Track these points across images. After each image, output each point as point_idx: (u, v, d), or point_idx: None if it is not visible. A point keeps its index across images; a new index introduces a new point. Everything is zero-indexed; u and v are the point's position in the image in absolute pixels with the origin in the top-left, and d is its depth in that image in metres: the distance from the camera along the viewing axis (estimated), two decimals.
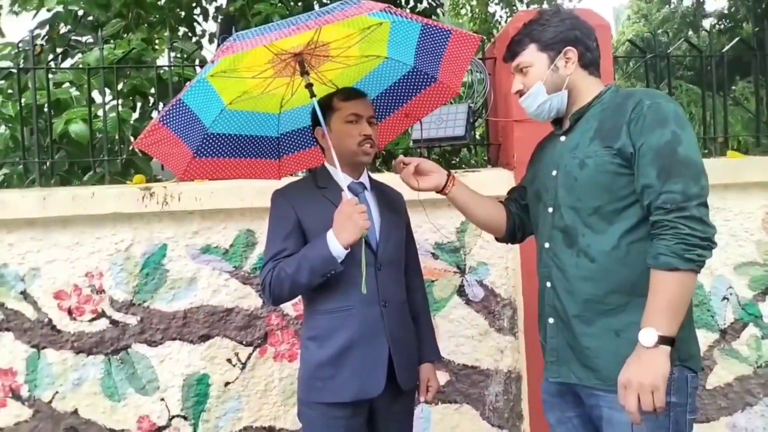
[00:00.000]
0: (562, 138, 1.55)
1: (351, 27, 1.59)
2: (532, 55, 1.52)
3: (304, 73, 1.64)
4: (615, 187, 1.40)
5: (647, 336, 1.29)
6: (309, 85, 1.63)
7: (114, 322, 2.37)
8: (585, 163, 1.44)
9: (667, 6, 18.27)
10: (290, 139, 1.94)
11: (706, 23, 16.79)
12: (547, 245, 1.53)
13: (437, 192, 1.73)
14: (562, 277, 1.48)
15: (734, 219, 2.58)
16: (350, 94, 1.74)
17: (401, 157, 1.74)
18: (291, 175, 2.04)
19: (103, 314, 2.37)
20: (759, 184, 2.58)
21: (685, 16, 17.74)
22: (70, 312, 2.36)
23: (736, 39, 3.07)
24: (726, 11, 16.80)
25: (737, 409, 2.57)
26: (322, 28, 1.47)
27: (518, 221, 1.73)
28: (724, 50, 3.03)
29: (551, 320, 1.52)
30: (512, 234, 1.75)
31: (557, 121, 1.60)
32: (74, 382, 2.35)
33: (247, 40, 1.41)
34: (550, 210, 1.53)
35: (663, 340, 1.28)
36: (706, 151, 2.82)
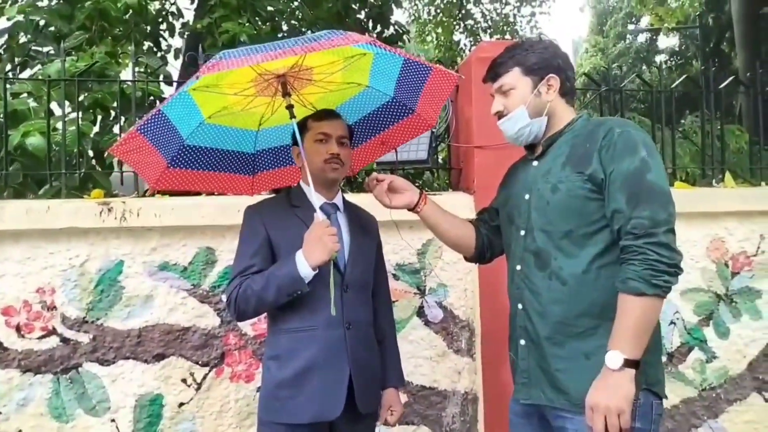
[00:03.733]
0: (535, 163, 1.58)
1: (336, 54, 1.63)
2: (515, 78, 1.54)
3: (285, 94, 1.66)
4: (586, 212, 1.43)
5: (613, 359, 1.31)
6: (290, 107, 1.66)
7: (65, 340, 2.30)
8: (557, 188, 1.47)
9: (623, 41, 19.11)
10: (266, 156, 1.95)
11: (659, 58, 17.62)
12: (518, 267, 1.55)
13: (409, 210, 1.74)
14: (534, 300, 1.50)
15: (681, 247, 2.64)
16: (322, 114, 1.77)
17: (375, 174, 1.76)
18: (263, 192, 2.05)
19: (53, 332, 2.30)
20: (704, 213, 2.71)
21: (639, 52, 18.58)
22: (18, 329, 2.28)
23: (684, 77, 3.24)
24: (677, 48, 17.67)
25: (683, 431, 2.65)
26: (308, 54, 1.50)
27: (487, 242, 1.75)
28: (673, 86, 3.20)
29: (522, 342, 1.54)
30: (481, 254, 1.76)
31: (529, 146, 1.63)
32: (19, 403, 2.26)
33: (233, 60, 1.43)
34: (522, 233, 1.55)
35: (628, 363, 1.31)
36: None
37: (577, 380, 1.41)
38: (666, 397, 1.48)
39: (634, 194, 1.36)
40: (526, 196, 1.55)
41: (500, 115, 1.58)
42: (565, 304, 1.45)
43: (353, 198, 1.98)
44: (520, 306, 1.54)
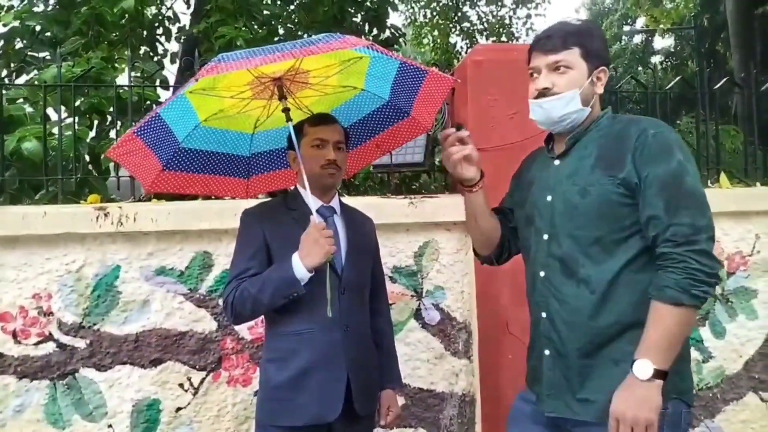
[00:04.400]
0: (557, 162, 1.50)
1: (332, 58, 1.64)
2: (575, 58, 1.43)
3: (282, 97, 1.67)
4: (618, 217, 1.36)
5: (643, 368, 1.26)
6: (286, 110, 1.67)
7: (61, 346, 2.30)
8: (587, 191, 1.39)
9: (619, 42, 19.18)
10: (261, 159, 1.96)
11: (655, 60, 17.70)
12: (542, 274, 1.47)
13: (464, 186, 1.58)
14: (561, 308, 1.43)
15: None
16: (319, 119, 1.77)
17: (460, 132, 1.52)
18: (259, 195, 2.06)
19: (50, 337, 2.29)
20: None
21: (635, 53, 18.66)
22: (14, 335, 2.27)
23: (679, 77, 3.26)
24: (672, 49, 17.75)
25: None
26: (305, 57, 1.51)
27: (506, 243, 1.67)
28: (667, 87, 3.21)
29: (547, 352, 1.47)
30: (501, 253, 1.68)
31: (547, 141, 1.57)
32: (16, 409, 2.25)
33: (232, 63, 1.44)
34: (546, 237, 1.47)
35: (657, 374, 1.26)
36: None
37: (605, 389, 1.34)
38: (693, 405, 1.42)
39: (672, 199, 1.29)
40: (549, 198, 1.47)
41: (545, 93, 1.44)
42: (594, 313, 1.38)
43: (350, 201, 1.99)
44: (544, 315, 1.47)
